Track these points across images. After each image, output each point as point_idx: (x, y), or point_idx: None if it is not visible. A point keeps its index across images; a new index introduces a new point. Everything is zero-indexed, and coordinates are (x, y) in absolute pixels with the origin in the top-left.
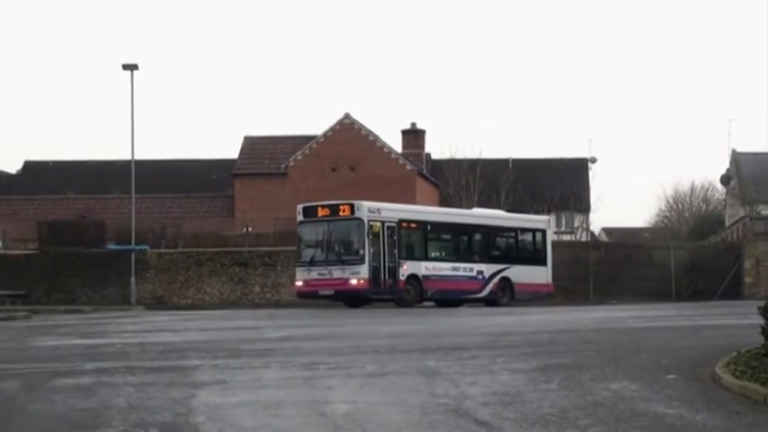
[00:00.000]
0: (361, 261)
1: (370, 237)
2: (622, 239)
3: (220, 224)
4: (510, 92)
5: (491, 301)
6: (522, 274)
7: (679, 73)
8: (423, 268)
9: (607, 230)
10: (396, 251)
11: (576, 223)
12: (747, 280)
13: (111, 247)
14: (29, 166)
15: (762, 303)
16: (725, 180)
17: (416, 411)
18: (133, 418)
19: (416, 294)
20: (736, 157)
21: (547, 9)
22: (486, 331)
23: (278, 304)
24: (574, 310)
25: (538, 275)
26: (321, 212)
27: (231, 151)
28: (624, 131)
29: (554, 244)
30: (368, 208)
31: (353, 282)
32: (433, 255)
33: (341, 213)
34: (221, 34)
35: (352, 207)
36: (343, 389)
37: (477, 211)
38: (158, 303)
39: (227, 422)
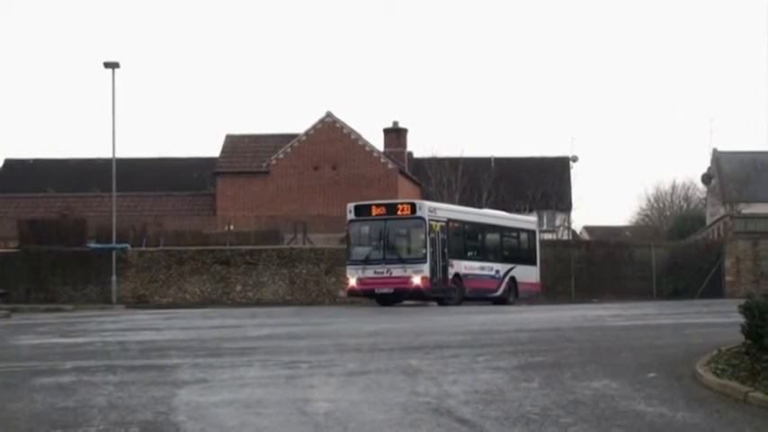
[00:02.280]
0: (424, 260)
1: (431, 236)
2: (604, 238)
3: (202, 222)
4: (492, 90)
5: (503, 300)
6: (522, 273)
7: (661, 72)
8: (463, 267)
9: (589, 229)
10: (446, 250)
11: (558, 222)
12: (728, 278)
13: (92, 245)
14: (9, 165)
15: (742, 302)
16: (706, 179)
17: (398, 410)
18: (114, 417)
19: (460, 293)
20: (717, 156)
21: (529, 8)
22: (468, 330)
23: (259, 303)
24: (555, 309)
25: (531, 275)
26: (376, 211)
27: (213, 149)
28: (606, 130)
29: None
30: (428, 207)
31: (416, 280)
32: (468, 254)
33: (399, 212)
34: (203, 33)
35: (413, 206)
36: (324, 387)
37: (486, 211)
38: (139, 302)
39: (209, 421)
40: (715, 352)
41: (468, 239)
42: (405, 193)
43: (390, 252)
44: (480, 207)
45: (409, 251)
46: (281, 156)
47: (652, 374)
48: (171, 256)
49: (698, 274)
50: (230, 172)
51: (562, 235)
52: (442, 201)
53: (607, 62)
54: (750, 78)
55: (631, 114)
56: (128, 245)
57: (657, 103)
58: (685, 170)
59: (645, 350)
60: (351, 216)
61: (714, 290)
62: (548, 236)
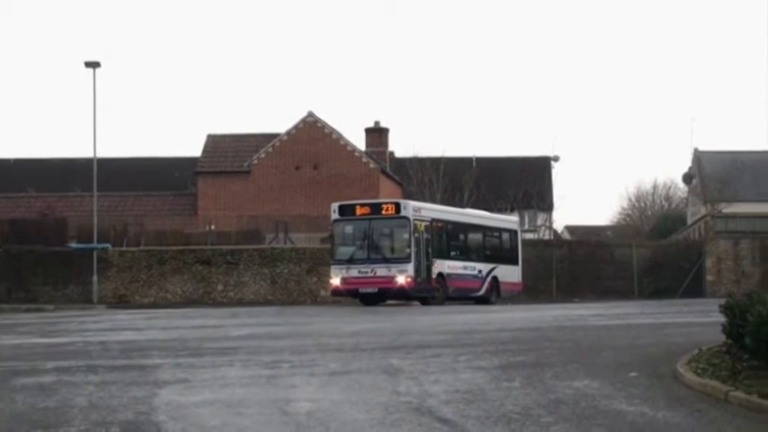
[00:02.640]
0: (408, 259)
1: (415, 235)
2: (585, 238)
3: (183, 222)
4: (474, 90)
5: (485, 300)
6: (504, 273)
7: (642, 72)
8: (446, 267)
9: (570, 229)
10: (430, 250)
11: (540, 222)
12: (709, 278)
13: (73, 245)
14: None
15: (723, 301)
16: (687, 179)
17: (379, 410)
18: (94, 417)
19: (443, 293)
20: (699, 156)
21: (510, 8)
22: (450, 329)
23: (241, 303)
24: (537, 309)
25: (513, 274)
26: (360, 211)
27: (194, 149)
28: (587, 130)
29: None
30: (413, 207)
31: (400, 280)
32: (452, 254)
33: (384, 212)
34: (184, 32)
35: (397, 206)
36: (306, 387)
37: (469, 211)
38: (120, 302)
39: (190, 421)
40: (696, 351)
41: (451, 239)
42: (386, 193)
43: (375, 252)
44: (462, 207)
45: (393, 251)
46: (263, 155)
47: (633, 374)
48: (152, 256)
49: (679, 274)
50: (211, 171)
51: (543, 234)
52: (424, 200)
53: (588, 62)
54: (731, 78)
55: (612, 114)
56: (109, 245)
57: (638, 103)
58: (666, 170)
59: (626, 349)
60: (335, 216)
61: (695, 289)
62: (529, 235)
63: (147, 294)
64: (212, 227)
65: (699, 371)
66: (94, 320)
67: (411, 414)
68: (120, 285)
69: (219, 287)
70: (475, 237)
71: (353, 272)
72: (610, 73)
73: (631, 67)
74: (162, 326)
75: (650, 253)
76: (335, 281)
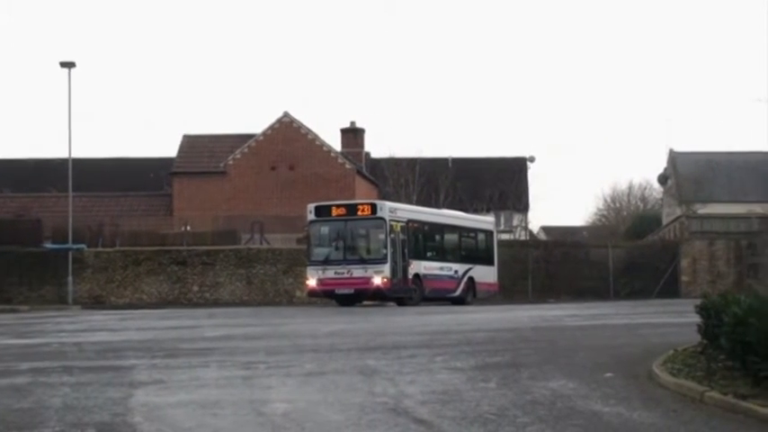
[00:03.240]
0: (384, 260)
1: (391, 236)
2: (561, 238)
3: (158, 223)
4: (450, 90)
5: (461, 300)
6: (480, 273)
7: (617, 73)
8: (422, 268)
9: (546, 229)
10: (406, 251)
11: (515, 222)
12: (684, 278)
13: (48, 246)
14: None
15: (698, 302)
16: (662, 179)
17: (355, 410)
18: (70, 419)
19: (420, 293)
20: (674, 157)
21: (484, 8)
22: (426, 330)
23: (216, 303)
24: (513, 309)
25: (489, 275)
26: (336, 212)
27: (170, 150)
28: (564, 131)
29: None
30: (389, 208)
31: (377, 281)
32: (428, 254)
33: (360, 213)
34: (161, 32)
35: (374, 207)
36: (281, 388)
37: (445, 212)
38: (96, 303)
39: (165, 422)
40: (671, 352)
41: (427, 240)
42: (362, 194)
43: (351, 252)
44: (438, 207)
45: (370, 251)
46: (239, 156)
47: (609, 374)
48: (127, 257)
49: (654, 274)
50: (187, 172)
51: (519, 235)
52: (400, 201)
53: (564, 63)
54: (706, 79)
55: (589, 116)
56: (84, 245)
57: (614, 104)
58: (642, 171)
59: (602, 350)
60: (311, 216)
61: (670, 290)
62: (505, 236)
63: (122, 295)
64: (188, 227)
65: (674, 371)
66: (70, 321)
67: (387, 415)
68: (95, 286)
69: (195, 288)
70: (451, 237)
71: (330, 273)
72: (586, 74)
73: (607, 67)
74: (137, 327)
75: (626, 253)
76: (312, 282)
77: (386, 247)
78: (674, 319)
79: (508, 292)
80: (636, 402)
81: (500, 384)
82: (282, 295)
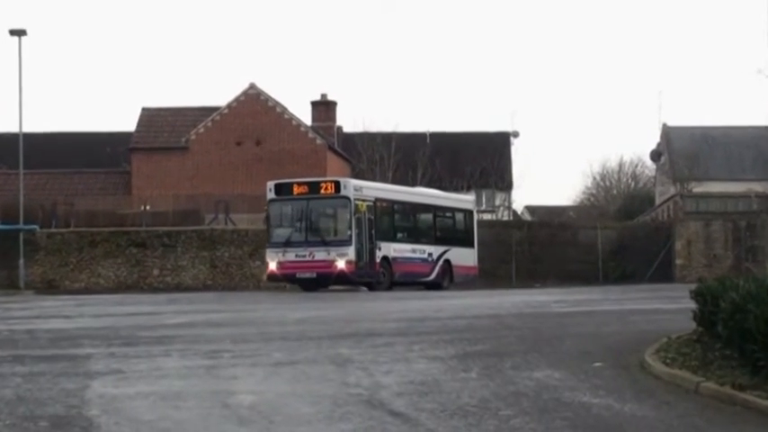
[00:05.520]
0: (349, 242)
1: (356, 216)
2: (547, 219)
3: (116, 202)
4: (427, 60)
5: (437, 285)
6: (458, 256)
7: (606, 42)
8: (392, 250)
9: (530, 209)
10: (373, 232)
11: (498, 201)
12: (678, 262)
13: None
14: None
15: (694, 287)
16: (655, 156)
17: (327, 402)
18: (21, 411)
19: (389, 278)
20: (667, 132)
21: None
22: (402, 317)
23: (178, 288)
24: (495, 294)
25: (468, 258)
26: (298, 190)
27: (128, 124)
28: (549, 104)
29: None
30: (354, 186)
31: (340, 264)
32: (398, 236)
33: (323, 191)
34: None
35: (337, 185)
36: (248, 379)
37: (419, 190)
38: (49, 287)
39: (124, 415)
40: (664, 340)
41: (398, 220)
42: (334, 171)
43: (313, 234)
44: (415, 185)
45: (333, 233)
46: (202, 130)
47: (598, 364)
48: (83, 238)
49: (646, 258)
50: (146, 148)
51: (502, 215)
52: (375, 178)
53: (550, 32)
54: (700, 49)
55: (575, 87)
56: (36, 226)
57: (603, 75)
58: (633, 146)
59: (590, 338)
60: (271, 195)
61: (664, 274)
62: (487, 216)
63: (77, 279)
64: (147, 207)
65: (668, 360)
66: (21, 307)
67: (361, 407)
68: (48, 270)
69: (155, 271)
70: (425, 217)
71: (290, 255)
72: (573, 43)
73: (596, 36)
74: (94, 313)
75: (616, 235)
76: (272, 265)
77: (350, 229)
78: (668, 305)
79: (490, 276)
80: (627, 394)
81: (481, 374)
82: (249, 279)
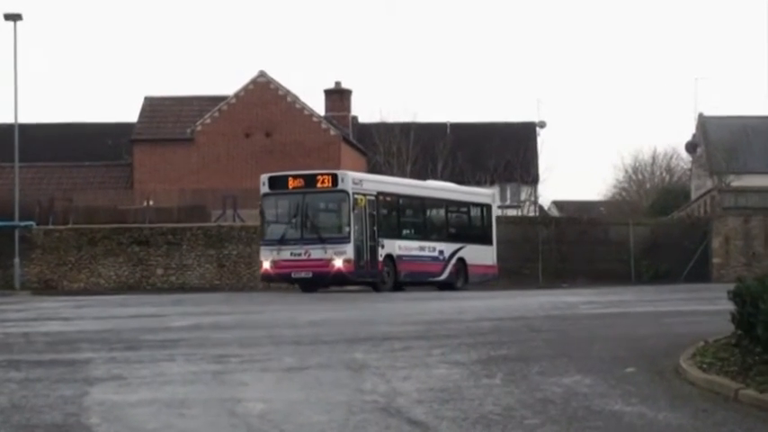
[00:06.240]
0: (347, 240)
1: (355, 212)
2: (575, 215)
3: (117, 197)
4: (448, 47)
5: (449, 285)
6: (473, 254)
7: (640, 27)
8: (397, 248)
9: (558, 204)
10: (375, 228)
11: (523, 196)
12: (715, 260)
13: None
14: None
15: (732, 287)
16: (690, 148)
17: (341, 410)
18: (17, 420)
19: (393, 277)
20: (704, 122)
21: None
22: (421, 319)
23: (184, 288)
24: (520, 295)
25: (486, 256)
26: (293, 183)
27: (130, 114)
28: (578, 92)
29: (498, 220)
30: (352, 179)
31: (338, 263)
32: (404, 233)
33: (319, 185)
34: None
35: (334, 178)
36: (257, 385)
37: (430, 183)
38: (46, 287)
39: (125, 423)
40: (701, 344)
41: (403, 216)
42: (349, 164)
43: (309, 231)
44: (435, 179)
45: (330, 230)
46: (208, 121)
47: (630, 369)
48: (82, 236)
49: (682, 256)
50: (149, 139)
51: (528, 211)
52: (392, 171)
53: (579, 17)
54: (739, 35)
55: (606, 75)
56: (33, 222)
57: (636, 62)
58: (667, 137)
59: (622, 342)
60: (264, 189)
61: (700, 273)
62: (512, 212)
63: (76, 279)
64: (150, 202)
65: (704, 366)
66: (17, 309)
67: (378, 415)
68: (45, 269)
69: (159, 271)
70: (435, 213)
71: (285, 254)
72: (603, 28)
73: (628, 21)
74: (94, 315)
75: (649, 232)
76: (266, 264)
77: (349, 225)
78: (704, 307)
79: (515, 275)
80: (661, 401)
81: (506, 380)
82: (258, 279)
